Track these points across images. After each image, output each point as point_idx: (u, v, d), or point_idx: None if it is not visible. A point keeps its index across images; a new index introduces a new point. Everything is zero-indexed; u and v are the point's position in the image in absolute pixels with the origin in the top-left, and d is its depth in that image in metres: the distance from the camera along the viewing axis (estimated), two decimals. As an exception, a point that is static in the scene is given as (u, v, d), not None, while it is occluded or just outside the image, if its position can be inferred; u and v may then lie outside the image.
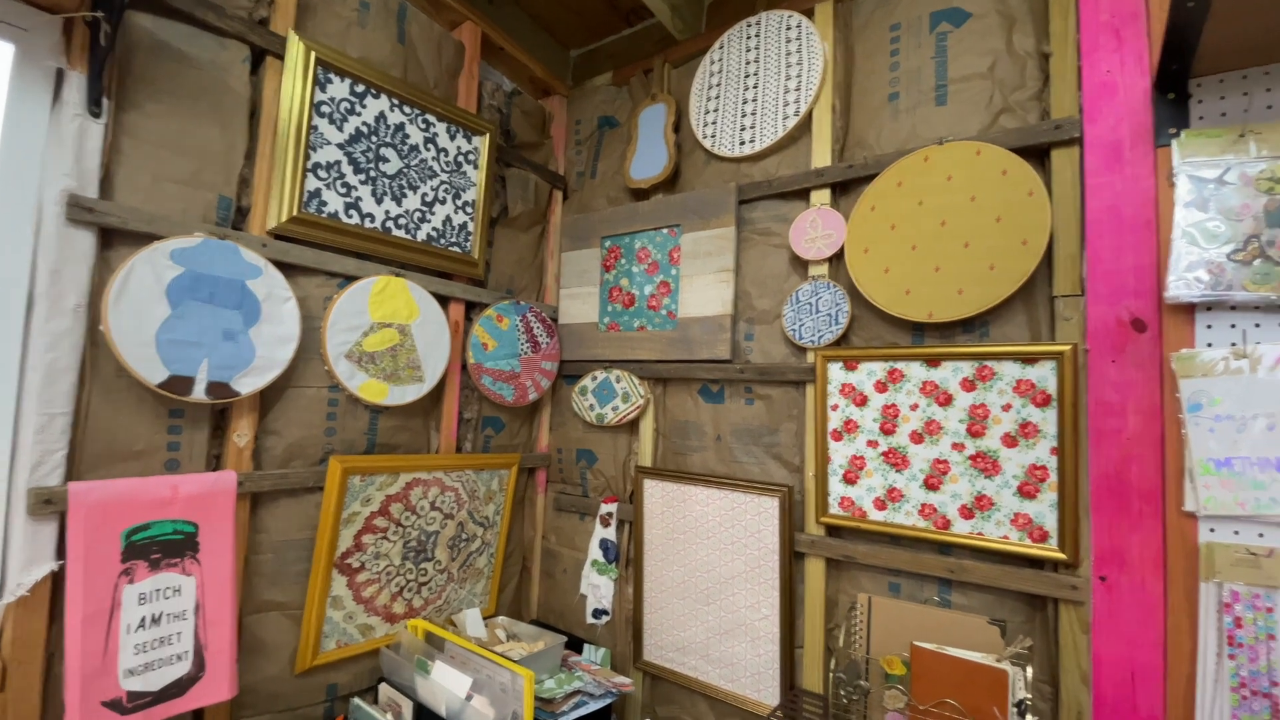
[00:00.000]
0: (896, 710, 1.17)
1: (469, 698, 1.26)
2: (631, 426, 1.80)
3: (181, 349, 1.12)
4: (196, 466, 1.20)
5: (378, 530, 1.44)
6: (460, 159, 1.61)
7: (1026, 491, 1.15)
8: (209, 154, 1.21)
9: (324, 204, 1.34)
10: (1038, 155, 1.22)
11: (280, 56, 1.29)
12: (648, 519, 1.69)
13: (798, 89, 1.51)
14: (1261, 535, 0.95)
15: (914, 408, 1.28)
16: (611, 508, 1.77)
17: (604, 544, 1.76)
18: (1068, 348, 1.12)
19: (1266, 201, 0.96)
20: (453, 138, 1.59)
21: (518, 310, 1.76)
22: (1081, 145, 1.14)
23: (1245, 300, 0.96)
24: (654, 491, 1.68)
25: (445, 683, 1.30)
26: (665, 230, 1.72)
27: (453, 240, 1.60)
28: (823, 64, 1.48)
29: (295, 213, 1.28)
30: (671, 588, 1.63)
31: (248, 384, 1.21)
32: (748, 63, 1.62)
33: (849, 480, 1.36)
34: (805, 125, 1.52)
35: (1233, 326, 0.98)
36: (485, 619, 1.72)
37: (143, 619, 1.08)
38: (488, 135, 1.66)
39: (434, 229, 1.55)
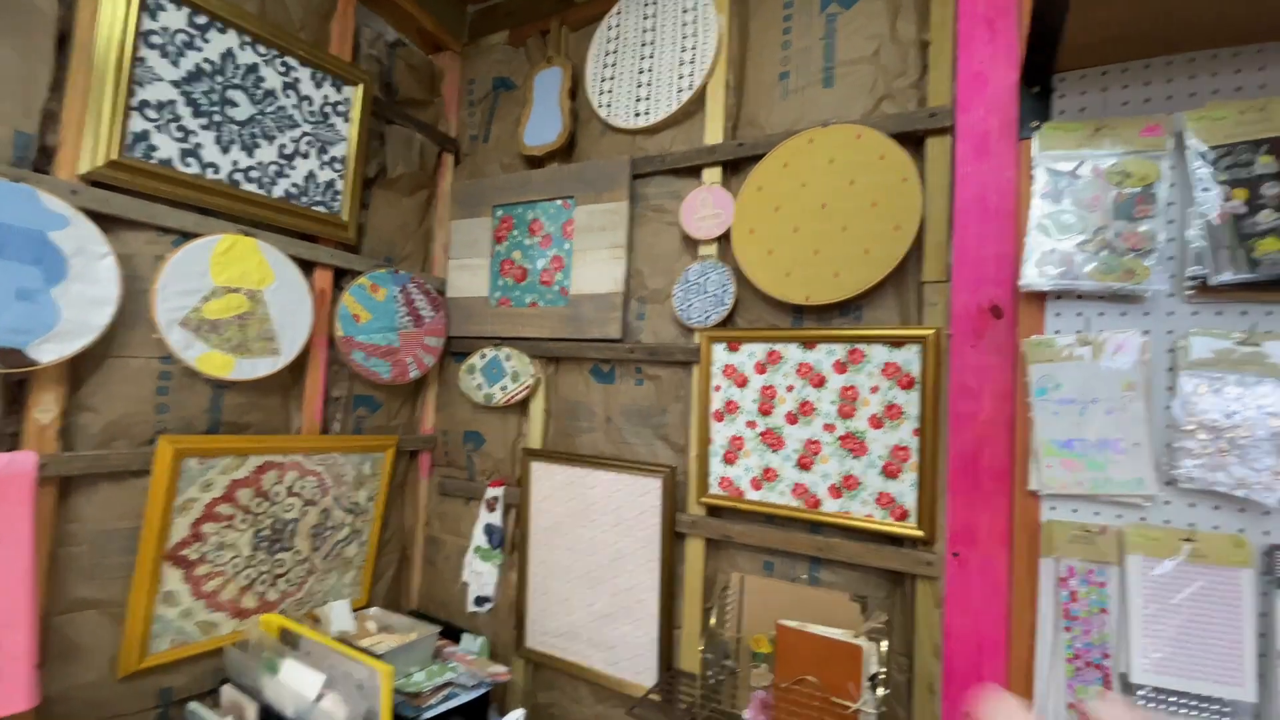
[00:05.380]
0: (761, 688, 1.17)
1: (320, 697, 1.17)
2: (521, 407, 1.72)
3: (-42, 308, 0.96)
4: (-14, 447, 1.04)
5: (221, 519, 1.30)
6: (328, 109, 1.46)
7: (890, 471, 1.18)
8: (3, 81, 1.03)
9: (154, 148, 1.17)
10: (915, 142, 1.23)
11: (98, -26, 1.12)
12: (534, 503, 1.62)
13: (693, 61, 1.47)
14: (1097, 514, 0.99)
15: (790, 389, 1.28)
16: (498, 491, 1.70)
17: (489, 529, 1.69)
18: (931, 332, 1.14)
19: (1115, 194, 1.00)
20: (319, 85, 1.44)
21: (396, 280, 1.64)
22: (954, 134, 1.16)
23: (1091, 290, 0.99)
24: (541, 474, 1.62)
25: (294, 682, 1.19)
26: (559, 202, 1.64)
27: (317, 199, 1.45)
28: (717, 37, 1.44)
29: (115, 156, 1.11)
30: (557, 572, 1.58)
31: (49, 351, 1.05)
32: (645, 30, 1.56)
33: (729, 460, 1.35)
34: (699, 100, 1.48)
35: (1079, 315, 1.02)
36: (356, 611, 1.61)
37: (-86, 623, 0.93)
38: (362, 86, 1.51)
39: (294, 185, 1.40)
